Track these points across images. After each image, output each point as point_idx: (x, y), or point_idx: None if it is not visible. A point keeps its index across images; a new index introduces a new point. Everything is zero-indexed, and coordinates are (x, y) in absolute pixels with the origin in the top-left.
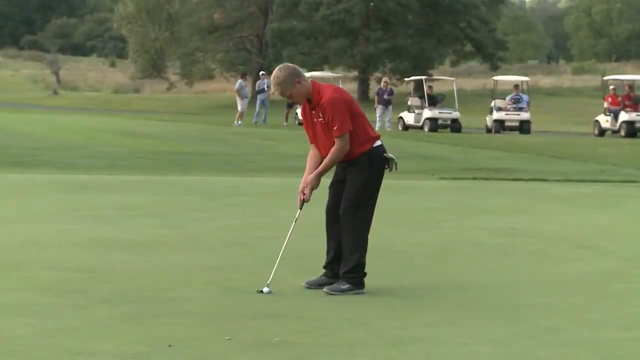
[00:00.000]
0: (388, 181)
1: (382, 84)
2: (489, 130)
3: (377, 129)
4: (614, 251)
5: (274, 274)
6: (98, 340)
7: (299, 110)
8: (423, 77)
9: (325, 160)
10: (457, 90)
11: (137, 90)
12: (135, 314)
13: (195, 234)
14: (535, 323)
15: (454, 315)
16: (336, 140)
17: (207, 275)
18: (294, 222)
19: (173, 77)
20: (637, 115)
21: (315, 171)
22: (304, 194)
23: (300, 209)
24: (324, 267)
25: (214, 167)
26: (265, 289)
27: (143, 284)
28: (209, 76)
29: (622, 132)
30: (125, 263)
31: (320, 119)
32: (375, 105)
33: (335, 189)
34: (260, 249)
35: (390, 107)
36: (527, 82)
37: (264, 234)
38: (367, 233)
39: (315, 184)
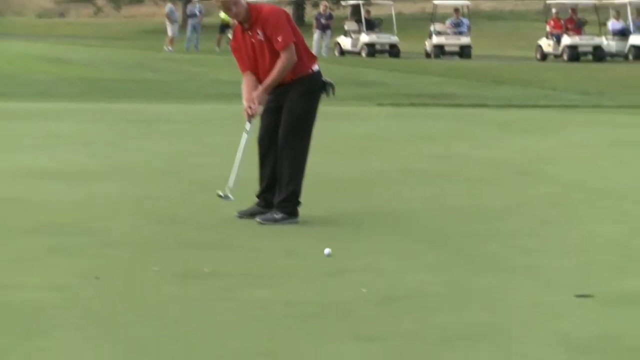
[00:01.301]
0: (325, 107)
1: (321, 7)
2: (428, 56)
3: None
4: (554, 177)
5: (234, 179)
6: (23, 273)
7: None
8: (360, 1)
9: (272, 74)
10: (395, 14)
11: (62, 15)
12: (62, 245)
13: (123, 162)
14: (473, 250)
15: (391, 244)
16: (282, 53)
17: (135, 205)
18: (245, 134)
19: (100, 1)
20: (580, 39)
21: (261, 85)
22: (251, 109)
23: (249, 122)
24: (257, 196)
25: (143, 94)
26: (226, 193)
27: (70, 214)
28: (137, 0)
29: (565, 57)
30: (52, 193)
31: (259, 36)
32: (314, 30)
33: (268, 116)
34: (191, 177)
35: (329, 32)
36: (467, 5)
37: (194, 161)
38: (305, 161)
39: (262, 98)
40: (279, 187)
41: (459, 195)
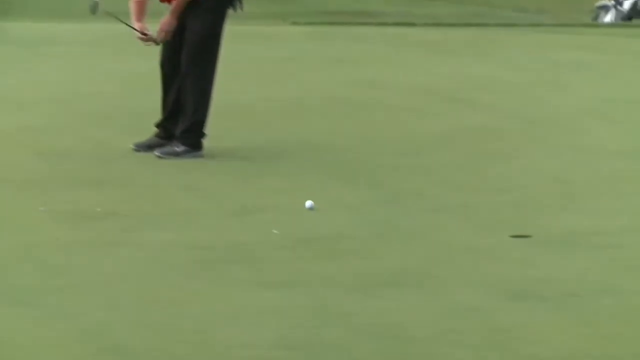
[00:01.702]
0: (233, 27)
1: None
2: None
3: None
4: (489, 105)
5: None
6: None
7: None
8: None
9: None
10: None
11: None
12: None
13: (3, 89)
14: (398, 187)
15: (306, 180)
16: None
17: (18, 136)
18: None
19: None
20: None
21: (170, 12)
22: (159, 39)
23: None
24: (157, 126)
25: (25, 11)
26: None
27: None
28: None
29: None
30: None
31: None
32: None
33: (170, 38)
34: (79, 106)
35: None
36: None
37: (86, 89)
38: (211, 88)
39: (173, 25)
40: (182, 116)
41: (382, 125)
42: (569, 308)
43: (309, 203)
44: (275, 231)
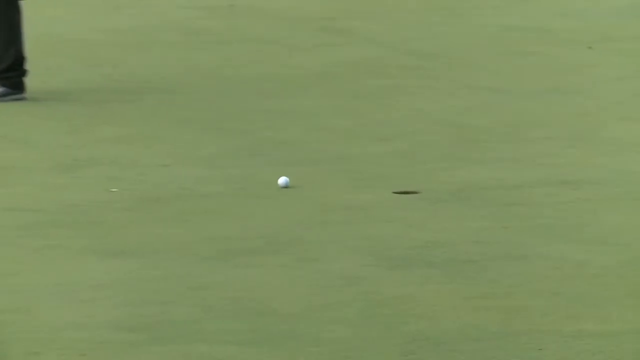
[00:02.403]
0: None
1: None
2: None
3: None
4: (371, 36)
5: None
6: None
7: None
8: None
9: None
10: None
11: None
12: None
13: None
14: (261, 135)
15: (150, 127)
16: None
17: None
18: None
19: None
20: None
21: None
22: None
23: None
24: None
25: None
26: None
27: None
28: None
29: None
30: None
31: None
32: None
33: None
34: None
35: None
36: None
37: None
38: (20, 15)
39: None
40: None
41: (241, 61)
42: (463, 276)
43: (283, 180)
44: (113, 189)
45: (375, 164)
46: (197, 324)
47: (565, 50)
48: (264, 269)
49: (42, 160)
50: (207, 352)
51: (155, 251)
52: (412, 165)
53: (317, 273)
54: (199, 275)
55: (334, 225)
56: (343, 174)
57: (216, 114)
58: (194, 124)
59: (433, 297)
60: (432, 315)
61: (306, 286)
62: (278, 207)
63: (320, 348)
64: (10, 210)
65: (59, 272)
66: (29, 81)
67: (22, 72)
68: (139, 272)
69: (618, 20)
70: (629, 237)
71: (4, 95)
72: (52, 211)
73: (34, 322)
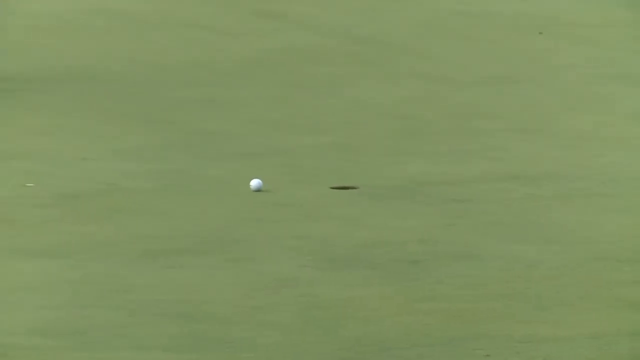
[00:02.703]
0: None
1: None
2: None
3: None
4: (307, 20)
5: None
6: None
7: None
8: None
9: None
10: None
11: None
12: None
13: None
14: (192, 126)
15: (70, 118)
16: None
17: None
18: None
19: None
20: None
21: None
22: None
23: None
24: None
25: None
26: None
27: None
28: None
29: None
30: None
31: None
32: None
33: None
34: None
35: None
36: None
37: None
38: None
39: None
40: None
41: (167, 47)
42: (407, 278)
43: (255, 183)
44: (29, 184)
45: (312, 157)
46: (122, 329)
47: (515, 36)
48: (193, 270)
49: None
50: (133, 359)
51: (76, 251)
52: (351, 158)
53: (250, 274)
54: (123, 277)
55: (268, 222)
56: (278, 168)
57: (141, 105)
58: (117, 115)
59: (375, 300)
60: (373, 319)
61: (239, 288)
62: (209, 204)
63: (254, 354)
64: None
65: None
66: None
67: None
68: (58, 273)
69: (569, 5)
70: (582, 235)
71: None
72: None
73: None
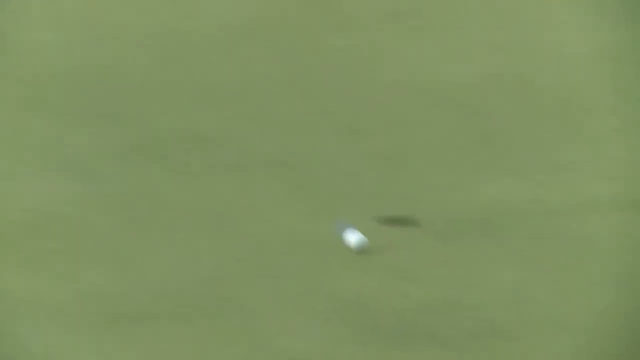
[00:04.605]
0: None
1: None
2: None
3: None
4: None
5: None
6: None
7: None
8: None
9: None
10: None
11: None
12: None
13: None
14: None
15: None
16: None
17: None
18: None
19: None
20: None
21: None
22: None
23: None
24: None
25: None
26: None
27: None
28: None
29: None
30: None
31: None
32: None
33: None
34: None
35: None
36: None
37: None
38: None
39: None
40: None
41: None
42: (488, 358)
43: (355, 238)
44: None
45: (338, 172)
46: None
47: None
48: (166, 345)
49: None
50: None
51: None
52: (398, 175)
53: (251, 352)
54: (59, 355)
55: (277, 273)
56: (289, 189)
57: (93, 94)
58: (53, 106)
59: None
60: None
61: None
62: (188, 245)
63: None
64: None
65: None
66: None
67: None
68: None
69: None
70: None
71: None
72: None
73: None
